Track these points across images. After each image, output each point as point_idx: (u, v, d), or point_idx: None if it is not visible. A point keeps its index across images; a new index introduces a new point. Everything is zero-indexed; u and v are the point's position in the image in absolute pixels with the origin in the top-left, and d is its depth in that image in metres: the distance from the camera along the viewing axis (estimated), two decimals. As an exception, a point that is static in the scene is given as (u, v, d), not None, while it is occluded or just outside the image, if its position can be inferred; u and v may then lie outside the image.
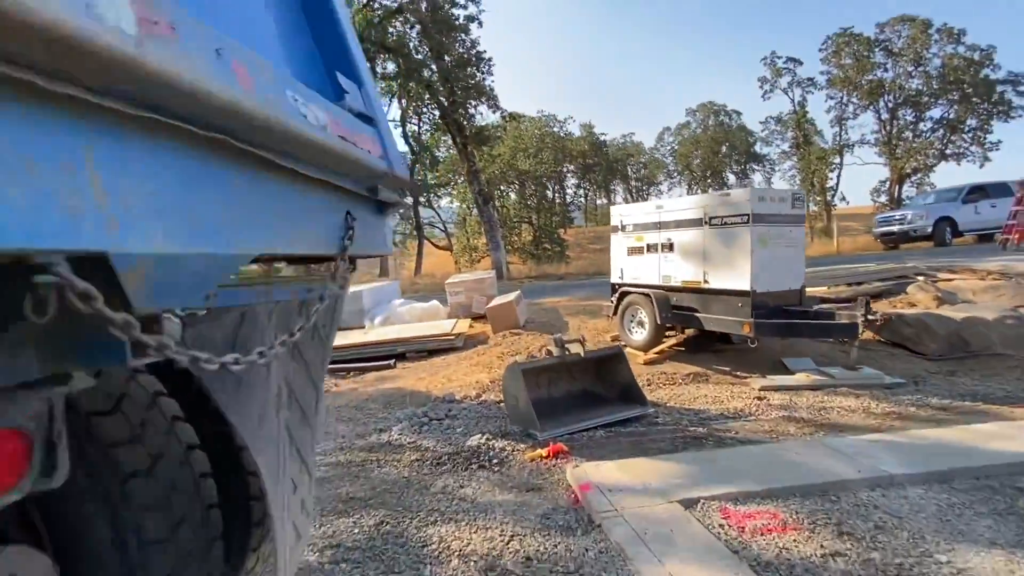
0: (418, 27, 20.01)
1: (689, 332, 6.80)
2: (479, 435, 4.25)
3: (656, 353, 6.31)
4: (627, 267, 6.98)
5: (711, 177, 51.36)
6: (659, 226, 6.49)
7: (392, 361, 7.10)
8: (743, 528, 2.70)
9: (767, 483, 3.11)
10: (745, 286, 5.57)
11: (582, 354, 4.70)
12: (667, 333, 6.64)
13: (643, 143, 53.92)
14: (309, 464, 1.96)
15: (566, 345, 4.69)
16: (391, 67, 24.57)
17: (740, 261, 5.62)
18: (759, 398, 5.04)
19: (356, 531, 2.94)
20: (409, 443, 4.30)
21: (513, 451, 3.96)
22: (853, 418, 4.49)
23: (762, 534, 2.65)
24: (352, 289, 10.66)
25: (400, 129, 32.18)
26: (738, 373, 5.89)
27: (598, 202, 54.62)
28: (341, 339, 8.02)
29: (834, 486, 3.09)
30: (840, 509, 2.87)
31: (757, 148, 49.04)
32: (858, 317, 5.22)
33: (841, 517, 2.78)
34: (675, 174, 54.73)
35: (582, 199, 51.52)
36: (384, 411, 5.24)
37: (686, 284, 6.20)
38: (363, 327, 9.59)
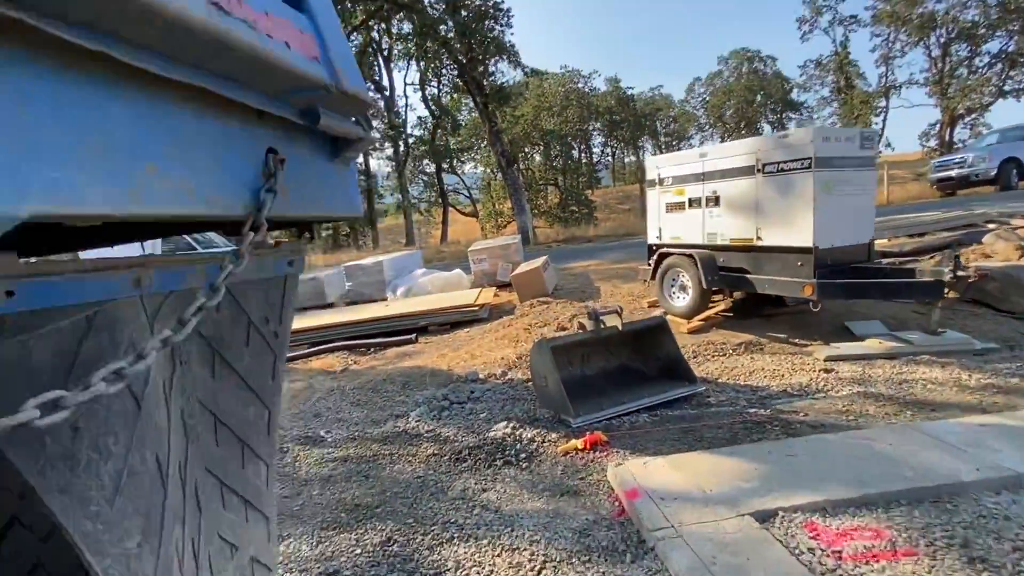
0: (432, -20, 18.90)
1: (737, 296, 6.09)
2: (504, 422, 3.72)
3: (701, 320, 5.64)
4: (666, 225, 6.25)
5: (745, 128, 48.95)
6: (703, 177, 5.72)
7: (413, 336, 6.62)
8: (840, 553, 2.10)
9: (860, 486, 2.49)
10: (806, 242, 4.81)
11: (619, 327, 4.09)
12: (713, 298, 5.95)
13: (672, 96, 51.52)
14: (264, 506, 1.43)
15: (601, 317, 4.08)
16: (407, 28, 23.62)
17: (800, 213, 4.85)
18: (825, 370, 4.36)
19: (358, 551, 2.46)
20: (427, 432, 3.80)
21: (544, 442, 3.41)
22: (944, 393, 3.79)
23: (867, 561, 2.05)
24: (372, 260, 10.19)
25: (420, 93, 31.29)
26: (796, 341, 5.19)
27: (626, 160, 52.91)
28: (361, 313, 7.59)
29: (948, 490, 2.45)
30: (962, 522, 2.24)
31: (794, 95, 46.36)
32: (945, 274, 4.43)
33: (967, 535, 2.15)
34: (707, 127, 52.37)
35: (609, 158, 49.93)
36: (402, 393, 4.76)
37: (735, 242, 5.47)
38: (386, 299, 9.15)
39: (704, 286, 5.46)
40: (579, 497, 2.76)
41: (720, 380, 4.37)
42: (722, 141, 50.40)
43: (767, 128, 49.17)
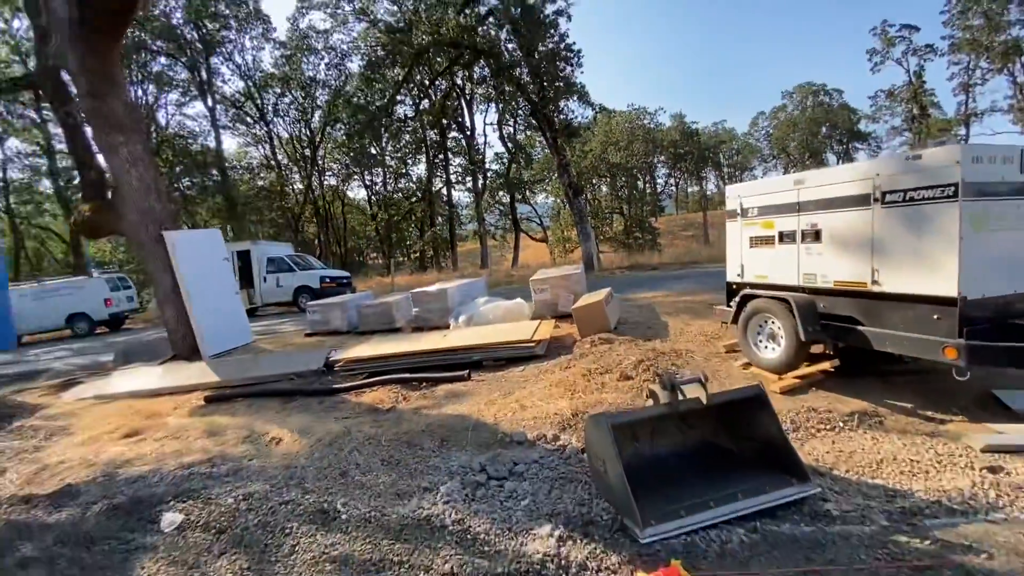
0: (508, 27, 18.33)
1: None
2: (549, 524, 2.57)
3: (797, 378, 4.21)
4: (750, 262, 4.87)
5: (810, 159, 45.06)
6: (798, 208, 4.33)
7: (466, 372, 5.60)
8: None
9: None
10: (948, 290, 3.33)
11: (704, 400, 2.83)
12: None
13: (736, 129, 48.50)
14: None
15: (680, 386, 2.84)
16: (486, 72, 23.30)
17: (939, 253, 3.38)
18: (991, 469, 2.85)
19: None
20: (453, 523, 2.72)
21: (599, 571, 2.23)
22: None
23: None
24: (437, 287, 9.35)
25: (497, 132, 30.97)
26: (928, 413, 3.66)
27: (689, 190, 50.28)
28: (417, 344, 6.69)
29: None
30: None
31: (861, 126, 42.10)
32: None
33: None
34: (770, 158, 48.76)
35: (673, 188, 47.53)
36: (439, 452, 3.73)
37: (841, 285, 4.03)
38: (448, 326, 8.25)
39: (803, 338, 4.04)
40: None
41: (836, 472, 2.98)
42: (786, 171, 46.62)
43: (832, 159, 45.02)
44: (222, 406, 5.78)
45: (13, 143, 27.38)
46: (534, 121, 20.76)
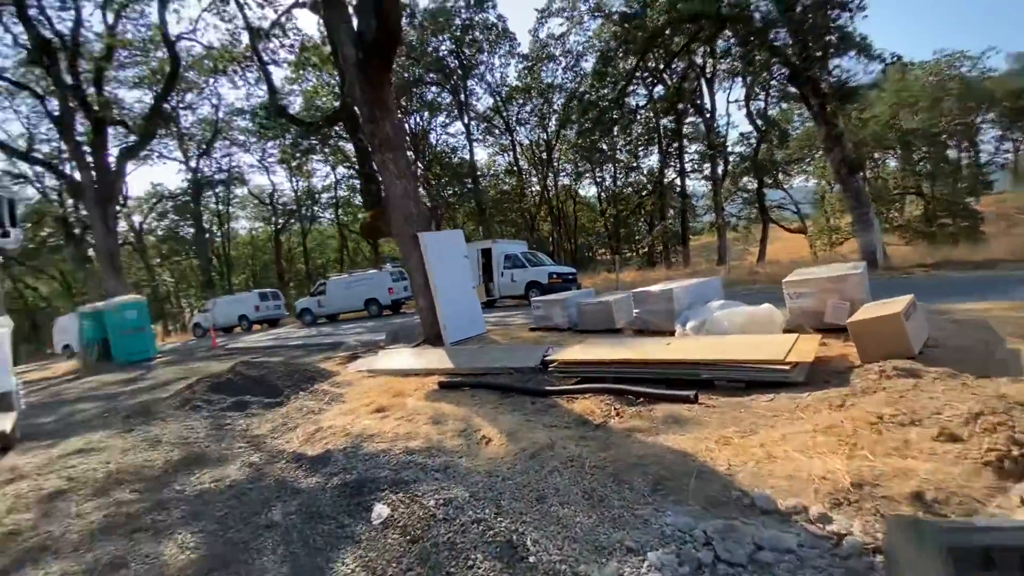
0: (760, -16, 15.63)
1: None
2: None
3: None
4: None
5: None
6: None
7: (692, 393, 4.63)
8: None
9: None
10: None
11: None
12: None
13: None
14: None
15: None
16: (730, 44, 20.61)
17: None
18: None
19: None
20: (661, 618, 1.99)
21: None
22: None
23: None
24: (661, 287, 8.36)
25: (744, 110, 27.20)
26: None
27: (1039, 156, 35.67)
28: (637, 351, 5.97)
29: None
30: None
31: None
32: None
33: None
34: None
35: (1008, 154, 34.37)
36: (650, 500, 2.99)
37: None
38: (673, 331, 7.28)
39: None
40: None
41: None
42: None
43: None
44: (450, 393, 6.15)
45: (340, 169, 36.73)
46: (794, 89, 17.33)
